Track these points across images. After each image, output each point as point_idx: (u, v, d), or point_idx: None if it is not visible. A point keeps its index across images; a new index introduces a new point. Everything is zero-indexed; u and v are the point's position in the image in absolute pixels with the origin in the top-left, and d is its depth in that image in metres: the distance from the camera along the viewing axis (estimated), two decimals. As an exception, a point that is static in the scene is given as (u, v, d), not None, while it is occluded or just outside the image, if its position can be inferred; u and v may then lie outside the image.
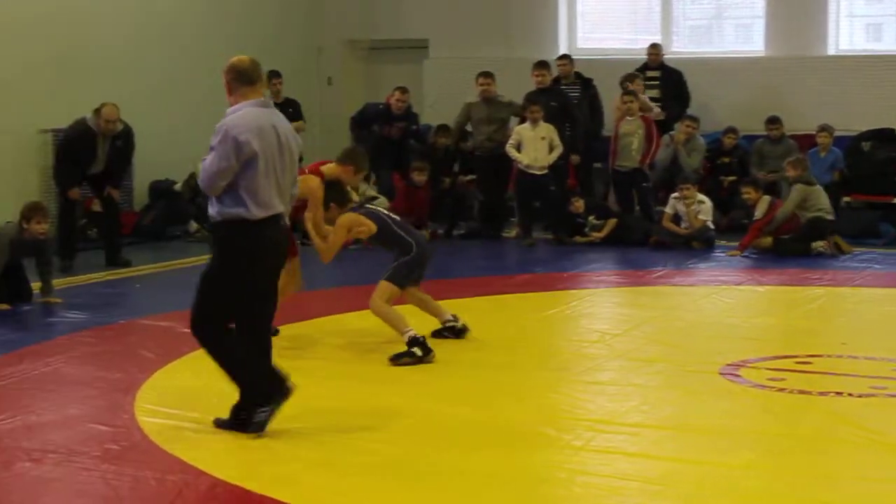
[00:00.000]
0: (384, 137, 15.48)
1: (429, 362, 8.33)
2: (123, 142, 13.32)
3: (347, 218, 8.82)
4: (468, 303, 10.76)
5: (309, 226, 8.82)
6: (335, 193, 8.89)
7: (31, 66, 14.66)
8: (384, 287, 8.69)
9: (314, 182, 8.75)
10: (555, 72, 15.70)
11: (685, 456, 6.28)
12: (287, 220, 6.86)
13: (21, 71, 14.54)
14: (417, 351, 8.35)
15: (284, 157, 6.60)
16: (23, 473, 6.03)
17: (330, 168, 8.98)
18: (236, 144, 6.41)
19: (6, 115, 14.18)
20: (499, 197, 15.57)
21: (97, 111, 12.98)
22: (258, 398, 6.59)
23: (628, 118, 14.83)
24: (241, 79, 6.70)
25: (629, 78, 15.47)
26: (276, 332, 9.13)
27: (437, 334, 9.04)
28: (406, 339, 8.40)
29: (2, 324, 10.00)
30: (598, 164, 15.95)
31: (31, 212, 10.61)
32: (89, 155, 13.07)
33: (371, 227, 8.82)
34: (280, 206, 6.61)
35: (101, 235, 14.05)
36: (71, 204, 13.29)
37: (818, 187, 13.70)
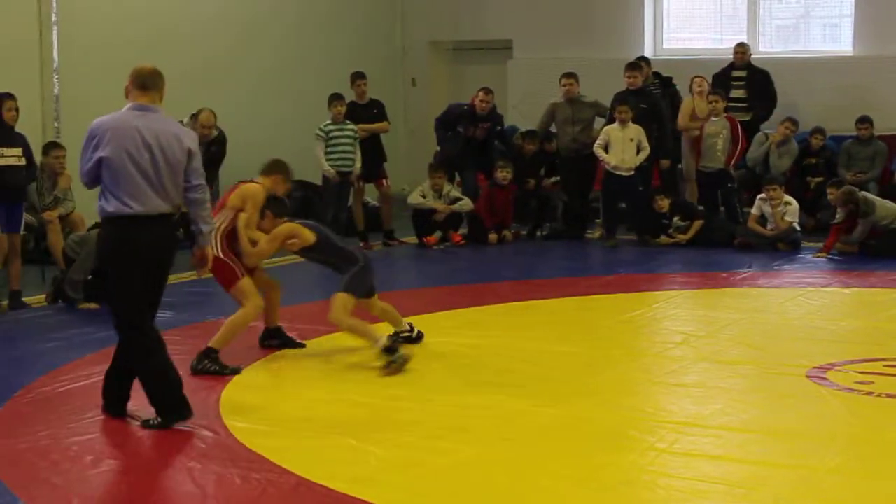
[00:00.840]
0: (469, 138, 15.48)
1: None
2: (218, 148, 13.46)
3: (286, 227, 8.59)
4: (551, 304, 10.75)
5: (241, 225, 8.57)
6: (275, 204, 8.69)
7: (126, 70, 14.83)
8: (342, 299, 8.42)
9: (257, 188, 8.65)
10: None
11: (770, 459, 6.22)
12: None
13: (117, 75, 14.69)
14: (401, 353, 8.18)
15: (156, 158, 6.77)
16: (110, 470, 6.12)
17: (263, 181, 8.81)
18: (88, 143, 6.83)
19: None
20: (583, 198, 15.53)
21: (194, 116, 13.13)
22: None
23: (713, 119, 14.72)
24: (136, 83, 7.10)
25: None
26: (302, 346, 9.00)
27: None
28: (380, 347, 8.18)
29: (90, 322, 10.13)
30: (681, 165, 15.84)
31: None
32: None
33: (308, 237, 8.55)
34: (149, 206, 6.75)
35: (188, 236, 14.18)
36: None
37: (877, 204, 13.44)
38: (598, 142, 14.68)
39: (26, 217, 11.28)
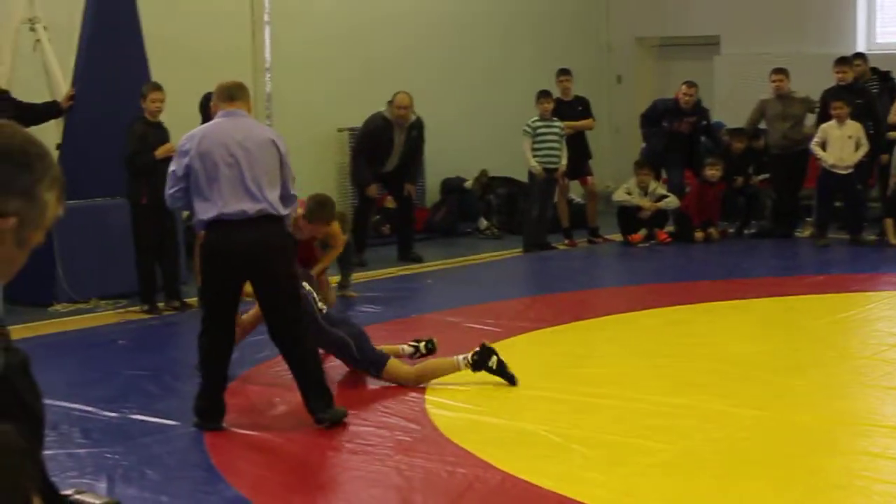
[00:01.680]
0: (673, 134, 15.31)
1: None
2: (418, 132, 13.65)
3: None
4: (759, 303, 10.56)
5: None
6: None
7: (330, 67, 15.16)
8: (392, 370, 7.74)
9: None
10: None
11: None
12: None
13: (321, 72, 15.05)
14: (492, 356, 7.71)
15: (250, 152, 6.74)
16: (320, 462, 6.24)
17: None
18: (179, 152, 6.93)
19: (308, 114, 14.68)
20: (792, 196, 15.21)
21: (390, 102, 13.35)
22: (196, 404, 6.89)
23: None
24: (222, 95, 7.05)
25: None
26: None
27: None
28: (466, 366, 7.71)
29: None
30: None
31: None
32: (386, 146, 13.43)
33: None
34: (242, 206, 6.68)
35: (394, 231, 14.41)
36: (367, 201, 13.67)
37: None
38: (815, 140, 14.32)
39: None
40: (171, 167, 6.95)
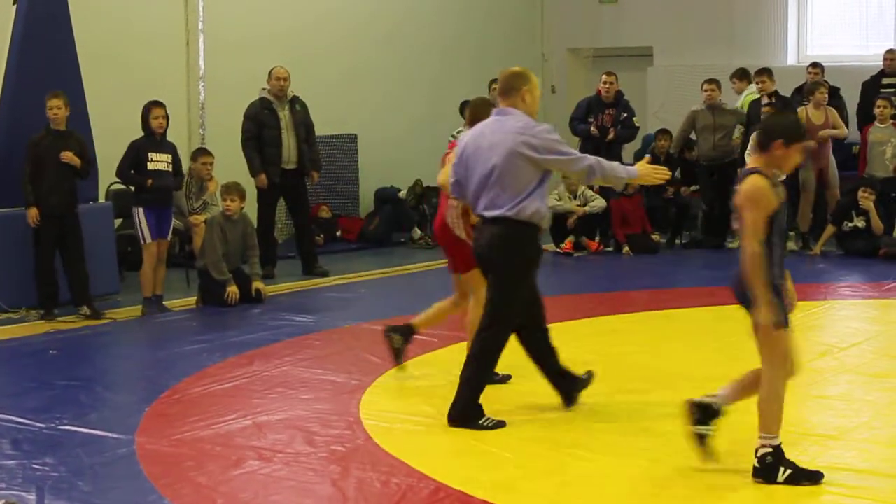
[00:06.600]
0: (597, 143, 15.18)
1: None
2: (301, 106, 13.22)
3: None
4: (690, 313, 10.64)
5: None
6: None
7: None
8: None
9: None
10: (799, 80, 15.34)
11: (918, 475, 6.07)
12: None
13: (257, 83, 14.95)
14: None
15: (475, 160, 6.95)
16: (253, 472, 6.20)
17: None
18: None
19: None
20: (722, 206, 15.32)
21: (268, 79, 13.19)
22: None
23: (878, 125, 14.42)
24: (499, 89, 7.24)
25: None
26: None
27: None
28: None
29: (233, 326, 10.32)
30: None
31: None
32: (274, 125, 12.99)
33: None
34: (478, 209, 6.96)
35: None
36: (268, 207, 13.26)
37: None
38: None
39: (174, 221, 11.49)
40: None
